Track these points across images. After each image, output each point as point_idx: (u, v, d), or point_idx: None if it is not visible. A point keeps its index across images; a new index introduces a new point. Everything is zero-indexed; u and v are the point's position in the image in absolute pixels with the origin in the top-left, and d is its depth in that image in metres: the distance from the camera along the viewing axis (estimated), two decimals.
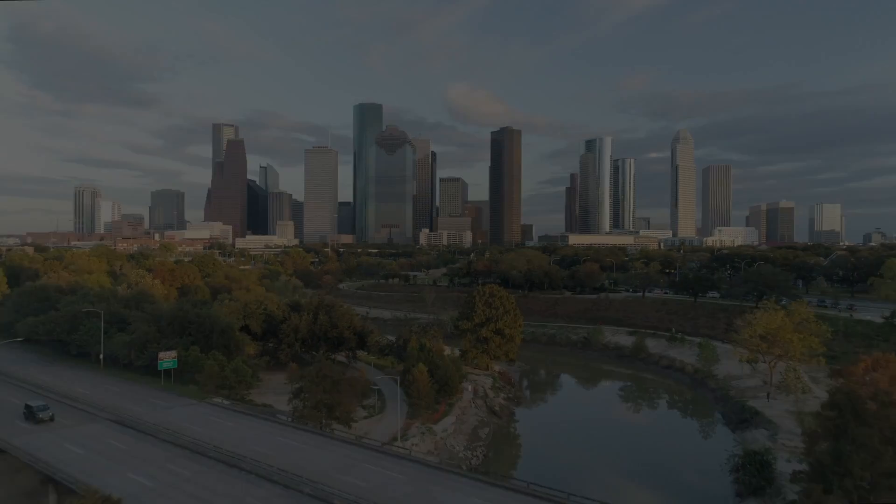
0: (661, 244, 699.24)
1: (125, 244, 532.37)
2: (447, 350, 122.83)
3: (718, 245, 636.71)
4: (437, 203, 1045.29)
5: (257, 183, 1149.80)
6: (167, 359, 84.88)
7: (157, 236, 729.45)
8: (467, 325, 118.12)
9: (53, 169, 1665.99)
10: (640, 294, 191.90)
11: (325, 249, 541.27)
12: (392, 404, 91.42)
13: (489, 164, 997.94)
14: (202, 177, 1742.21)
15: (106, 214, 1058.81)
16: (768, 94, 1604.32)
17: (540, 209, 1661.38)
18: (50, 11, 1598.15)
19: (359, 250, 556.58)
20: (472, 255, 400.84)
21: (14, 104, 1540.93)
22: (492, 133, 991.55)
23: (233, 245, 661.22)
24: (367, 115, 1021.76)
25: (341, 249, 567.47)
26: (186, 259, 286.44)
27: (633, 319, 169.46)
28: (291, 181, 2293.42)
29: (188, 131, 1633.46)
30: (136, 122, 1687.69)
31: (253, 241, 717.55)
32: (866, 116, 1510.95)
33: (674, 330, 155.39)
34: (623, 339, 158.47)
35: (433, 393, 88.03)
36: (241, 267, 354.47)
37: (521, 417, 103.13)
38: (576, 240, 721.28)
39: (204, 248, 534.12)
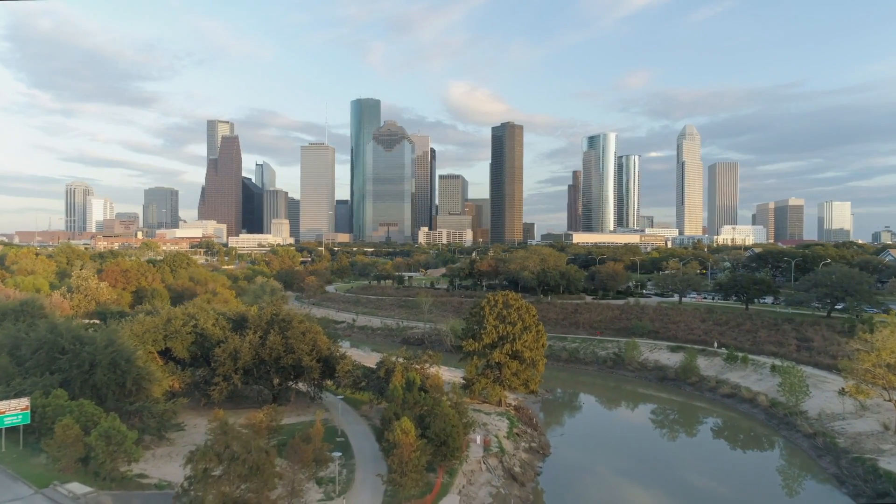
0: (669, 243, 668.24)
1: (105, 242, 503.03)
2: (446, 374, 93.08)
3: (730, 243, 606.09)
4: (437, 201, 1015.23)
5: (253, 181, 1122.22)
6: (11, 411, 54.70)
7: (139, 234, 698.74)
8: (474, 345, 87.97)
9: (52, 168, 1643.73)
10: (677, 299, 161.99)
11: (320, 248, 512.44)
12: (364, 471, 61.75)
13: (489, 162, 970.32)
14: (202, 176, 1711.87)
15: (98, 213, 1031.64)
16: (769, 93, 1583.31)
17: (540, 208, 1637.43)
18: (48, 9, 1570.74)
19: (354, 249, 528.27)
20: (475, 254, 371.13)
21: (13, 103, 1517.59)
22: (493, 129, 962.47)
23: (225, 244, 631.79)
24: (365, 110, 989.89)
25: (336, 248, 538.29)
26: (159, 258, 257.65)
27: (673, 331, 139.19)
28: (290, 180, 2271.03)
29: (187, 130, 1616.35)
30: (135, 121, 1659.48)
31: (246, 240, 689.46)
32: (867, 115, 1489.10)
33: (716, 344, 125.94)
34: (664, 356, 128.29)
35: (426, 458, 57.96)
36: (224, 266, 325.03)
37: (550, 475, 72.97)
38: (580, 238, 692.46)
39: (191, 247, 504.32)
